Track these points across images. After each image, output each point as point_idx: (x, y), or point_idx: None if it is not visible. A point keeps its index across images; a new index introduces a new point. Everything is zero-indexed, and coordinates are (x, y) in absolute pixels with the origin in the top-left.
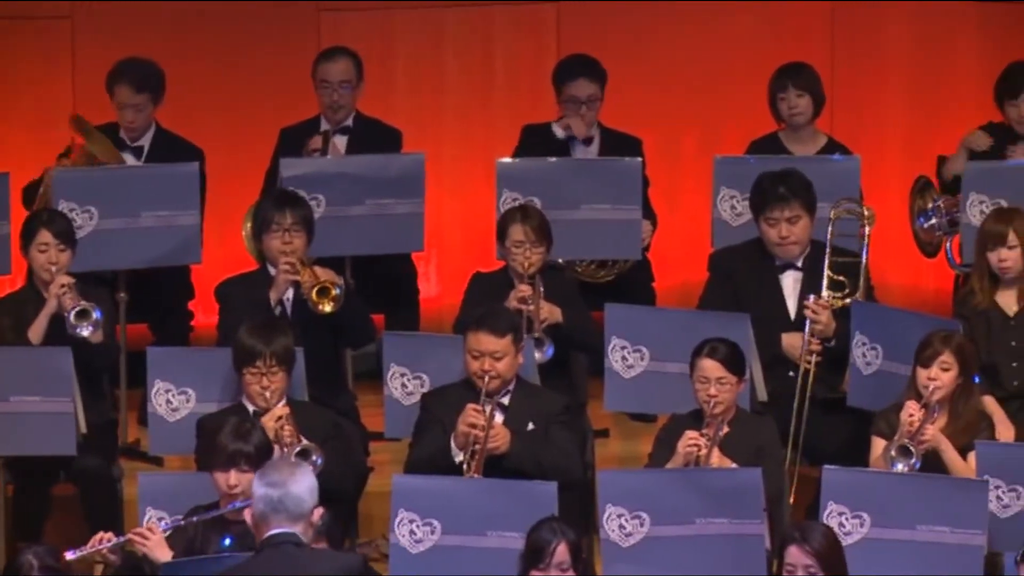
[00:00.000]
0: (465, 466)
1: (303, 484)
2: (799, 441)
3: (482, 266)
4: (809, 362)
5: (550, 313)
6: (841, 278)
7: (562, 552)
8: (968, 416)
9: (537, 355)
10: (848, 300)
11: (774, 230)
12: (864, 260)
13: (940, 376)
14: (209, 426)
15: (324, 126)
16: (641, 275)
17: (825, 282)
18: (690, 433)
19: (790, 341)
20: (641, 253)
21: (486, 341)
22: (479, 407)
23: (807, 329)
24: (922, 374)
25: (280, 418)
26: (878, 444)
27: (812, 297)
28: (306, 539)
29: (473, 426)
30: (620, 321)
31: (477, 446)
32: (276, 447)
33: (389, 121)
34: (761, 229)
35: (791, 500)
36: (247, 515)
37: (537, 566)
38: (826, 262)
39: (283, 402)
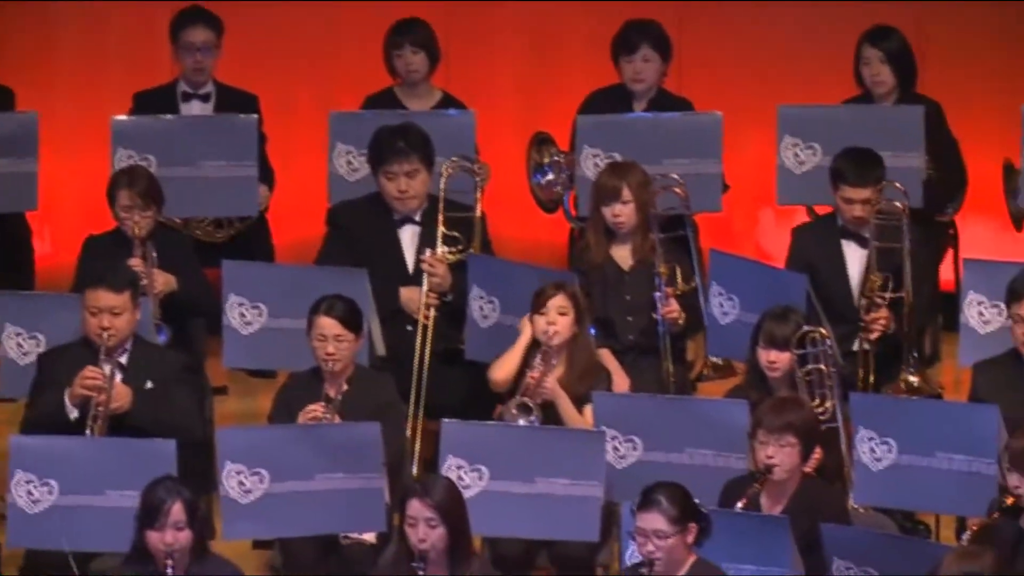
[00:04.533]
0: (88, 428)
1: None
2: (419, 395)
3: (100, 226)
4: (427, 316)
5: (164, 283)
6: (456, 233)
7: (177, 511)
8: (585, 367)
9: (161, 339)
10: (463, 254)
11: (392, 184)
12: (479, 215)
13: (558, 320)
14: (47, 361)
15: (182, 88)
16: (259, 232)
17: (440, 237)
18: (310, 407)
19: (408, 295)
20: (258, 210)
21: (104, 297)
22: (97, 367)
23: (424, 283)
24: (540, 321)
25: None
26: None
27: (428, 252)
28: None
29: (91, 387)
30: (238, 278)
31: (100, 408)
32: None
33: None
34: (379, 183)
35: (412, 454)
36: None
37: (153, 525)
38: (440, 217)
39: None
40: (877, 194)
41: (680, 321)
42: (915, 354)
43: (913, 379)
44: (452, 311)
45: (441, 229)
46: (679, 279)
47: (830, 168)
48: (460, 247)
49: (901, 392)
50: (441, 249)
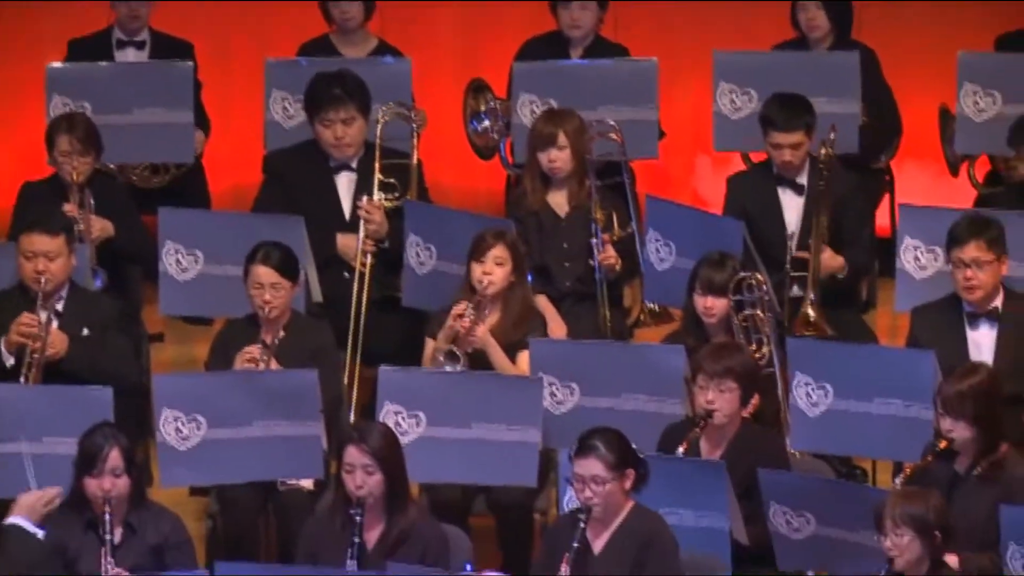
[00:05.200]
0: (23, 375)
1: None
2: (356, 342)
3: (36, 173)
4: (364, 263)
5: (101, 229)
6: (392, 180)
7: (115, 457)
8: (520, 314)
9: (97, 285)
10: (400, 201)
11: (328, 131)
12: (415, 162)
13: (494, 270)
14: None
15: (117, 35)
16: (195, 179)
17: (376, 184)
18: (247, 349)
19: (345, 242)
20: (194, 157)
21: (39, 241)
22: (32, 314)
23: (361, 230)
24: (476, 269)
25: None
26: (430, 345)
27: (364, 198)
28: None
29: (26, 334)
30: (174, 225)
31: (35, 355)
32: None
33: None
34: (316, 130)
35: (349, 401)
36: None
37: (90, 472)
38: (376, 164)
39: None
40: (806, 139)
41: (617, 267)
42: (812, 297)
43: (811, 313)
44: (389, 258)
45: (377, 176)
46: (615, 225)
47: (759, 114)
48: (396, 194)
49: (805, 326)
50: (377, 196)
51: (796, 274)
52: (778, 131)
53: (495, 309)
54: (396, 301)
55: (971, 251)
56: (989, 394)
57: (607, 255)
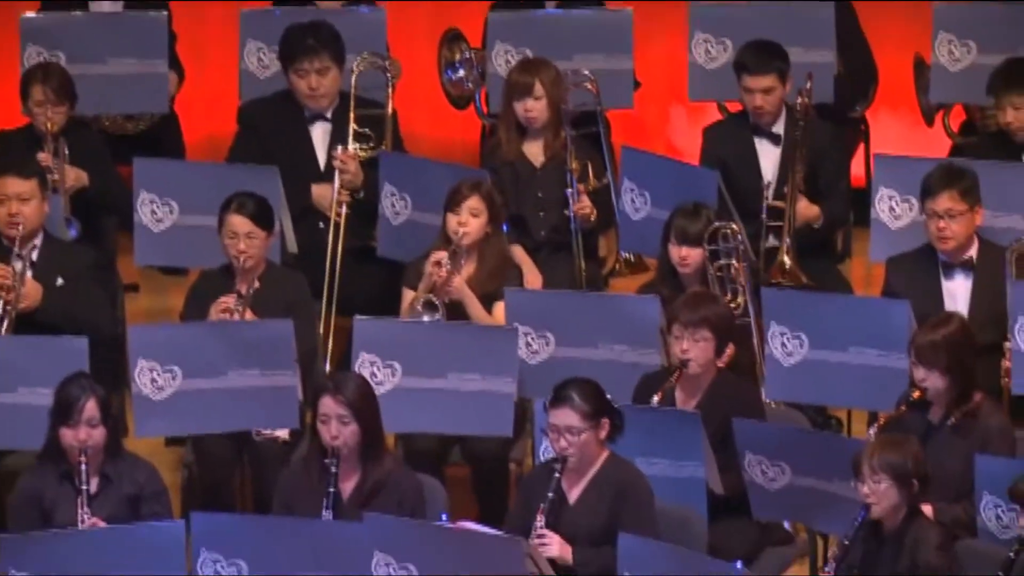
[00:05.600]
0: None
1: None
2: (331, 293)
3: (10, 123)
4: (339, 213)
5: (75, 179)
6: (367, 130)
7: (91, 408)
8: (497, 263)
9: (72, 234)
10: (375, 151)
11: (303, 82)
12: (390, 112)
13: (470, 221)
14: None
15: None
16: (170, 129)
17: (351, 134)
18: (223, 298)
19: (320, 192)
20: (168, 106)
21: (11, 184)
22: (6, 265)
23: (336, 180)
24: (452, 220)
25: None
26: (408, 295)
27: (339, 148)
28: None
29: (0, 285)
30: (149, 175)
31: (9, 306)
32: None
33: None
34: (290, 81)
35: (324, 351)
36: None
37: (66, 422)
38: (351, 115)
39: None
40: (779, 84)
41: (592, 217)
42: (788, 247)
43: (786, 262)
44: (364, 209)
45: (352, 126)
46: (591, 175)
47: (733, 61)
48: (371, 144)
49: (780, 276)
50: (352, 146)
51: (772, 224)
52: (750, 75)
53: (471, 260)
54: (371, 251)
55: (944, 202)
56: (962, 344)
57: (582, 205)
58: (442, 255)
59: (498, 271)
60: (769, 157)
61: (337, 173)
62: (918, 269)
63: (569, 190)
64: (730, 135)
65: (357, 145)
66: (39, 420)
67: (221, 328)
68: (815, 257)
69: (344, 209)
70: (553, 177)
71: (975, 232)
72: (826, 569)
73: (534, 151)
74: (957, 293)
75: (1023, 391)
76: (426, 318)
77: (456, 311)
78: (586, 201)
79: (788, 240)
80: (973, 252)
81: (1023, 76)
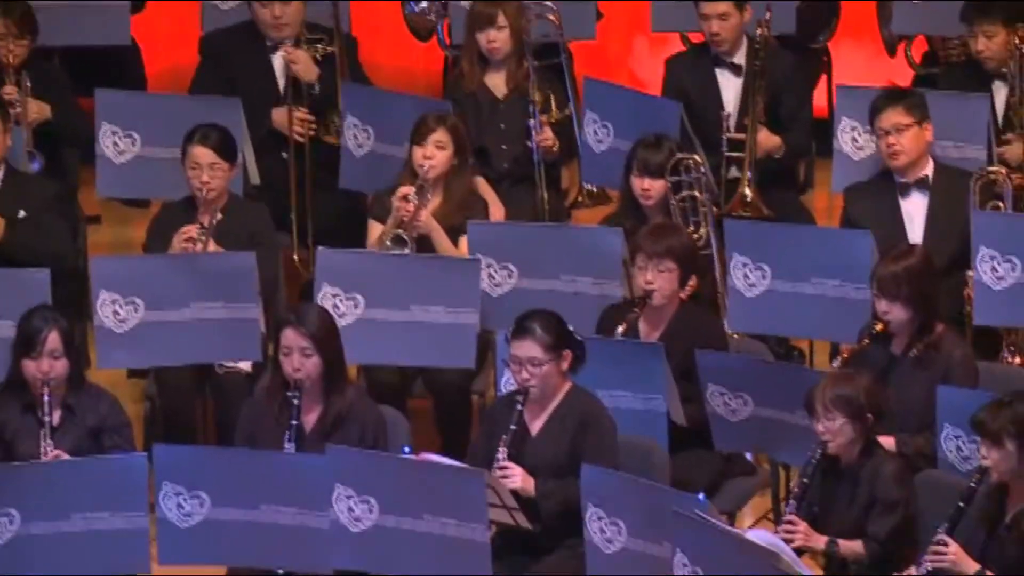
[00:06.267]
0: None
1: None
2: (293, 224)
3: None
4: (301, 134)
5: (38, 111)
6: (320, 35)
7: (54, 339)
8: (463, 196)
9: (34, 167)
10: (329, 49)
11: (267, 11)
12: (346, 33)
13: (436, 154)
14: None
15: None
16: (131, 60)
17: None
18: (186, 228)
19: (280, 115)
20: (129, 38)
21: None
22: None
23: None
24: (418, 153)
25: None
26: (375, 228)
27: (286, 43)
28: None
29: None
30: (111, 107)
31: None
32: None
33: None
34: (253, 10)
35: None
36: None
37: (29, 354)
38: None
39: None
40: (735, 11)
41: (554, 149)
42: (749, 178)
43: (748, 193)
44: (320, 108)
45: (305, 35)
46: (553, 107)
47: None
48: (324, 44)
49: (742, 207)
50: (303, 47)
51: (733, 155)
52: (705, 0)
53: (437, 193)
54: (333, 173)
55: (891, 117)
56: (924, 275)
57: (545, 137)
58: (409, 190)
59: (465, 204)
60: (730, 88)
61: (288, 66)
62: (875, 192)
63: (532, 121)
64: (692, 66)
65: (306, 46)
66: (1, 352)
67: (184, 260)
68: (777, 188)
69: (307, 128)
70: (516, 108)
71: (930, 152)
72: (786, 508)
73: (496, 82)
74: (914, 213)
75: (985, 322)
76: (395, 253)
77: (424, 245)
78: (548, 133)
79: (749, 172)
80: (928, 171)
81: (995, 5)
